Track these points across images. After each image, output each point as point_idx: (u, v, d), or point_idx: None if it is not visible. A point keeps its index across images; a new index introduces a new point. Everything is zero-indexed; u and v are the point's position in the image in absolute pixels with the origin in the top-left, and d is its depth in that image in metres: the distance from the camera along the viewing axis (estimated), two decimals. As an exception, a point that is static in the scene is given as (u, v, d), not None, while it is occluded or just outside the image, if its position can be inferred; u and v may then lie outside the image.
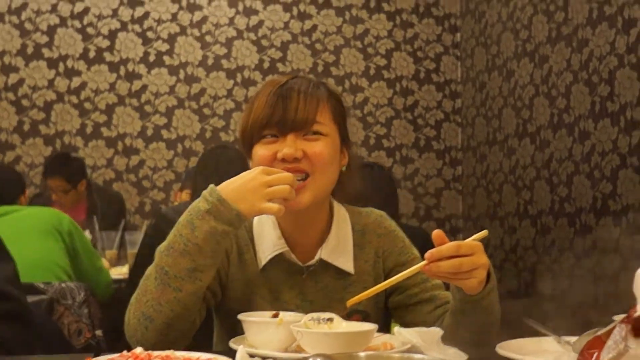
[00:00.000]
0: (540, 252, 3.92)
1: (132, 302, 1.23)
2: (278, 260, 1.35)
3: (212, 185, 1.20)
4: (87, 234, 3.61)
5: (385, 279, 1.34)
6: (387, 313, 1.44)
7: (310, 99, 1.30)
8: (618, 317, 1.21)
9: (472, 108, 4.81)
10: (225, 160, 2.62)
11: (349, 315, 1.31)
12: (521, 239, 4.12)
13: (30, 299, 1.79)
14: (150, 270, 1.22)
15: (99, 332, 2.20)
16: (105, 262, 3.28)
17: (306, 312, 1.29)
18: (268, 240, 1.36)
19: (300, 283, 1.35)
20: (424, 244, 2.94)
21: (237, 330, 1.25)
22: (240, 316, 1.16)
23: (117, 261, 3.35)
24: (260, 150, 1.29)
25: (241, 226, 1.22)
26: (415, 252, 1.42)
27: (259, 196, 1.17)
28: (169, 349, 1.06)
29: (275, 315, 1.17)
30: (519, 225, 4.14)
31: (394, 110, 4.93)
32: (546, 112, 3.87)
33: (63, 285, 2.19)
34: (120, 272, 3.13)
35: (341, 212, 1.40)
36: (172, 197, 4.47)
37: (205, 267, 1.19)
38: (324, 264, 1.36)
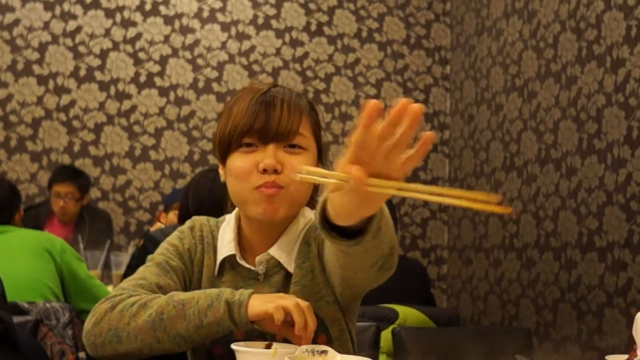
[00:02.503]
0: (524, 286, 3.93)
1: (112, 308, 1.21)
2: (234, 264, 1.33)
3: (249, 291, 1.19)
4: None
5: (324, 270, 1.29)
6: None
7: (293, 109, 1.26)
8: (611, 358, 1.22)
9: (460, 140, 4.85)
10: (220, 185, 2.62)
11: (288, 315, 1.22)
12: (506, 271, 4.13)
13: (16, 319, 1.77)
14: (159, 300, 1.20)
15: (82, 355, 2.17)
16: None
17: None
18: (225, 242, 1.34)
19: (255, 287, 1.30)
20: (422, 276, 2.93)
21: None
22: (233, 346, 1.15)
23: (102, 280, 3.31)
24: (239, 161, 1.26)
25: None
26: None
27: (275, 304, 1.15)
28: None
29: (269, 346, 1.16)
30: (504, 258, 4.16)
31: (382, 139, 4.95)
32: (534, 146, 3.91)
33: (48, 305, 2.16)
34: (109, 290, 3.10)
35: (306, 215, 1.35)
36: (156, 218, 4.45)
37: (192, 343, 1.20)
38: (277, 266, 1.32)
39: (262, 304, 1.17)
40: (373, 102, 0.83)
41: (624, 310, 3.09)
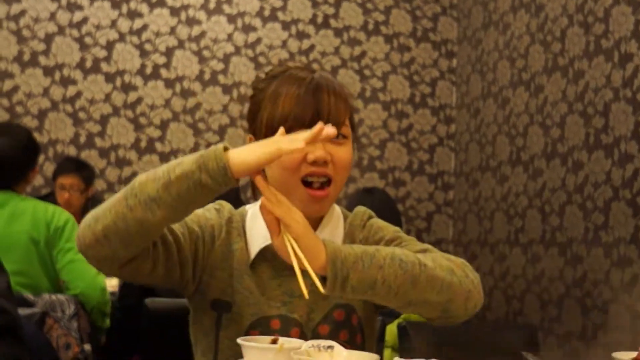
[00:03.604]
0: (530, 281, 3.93)
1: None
2: (268, 255, 1.30)
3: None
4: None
5: None
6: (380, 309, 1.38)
7: (339, 100, 1.26)
8: (618, 355, 1.22)
9: (466, 134, 4.83)
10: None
11: (331, 310, 1.29)
12: (511, 266, 4.13)
13: (22, 311, 1.77)
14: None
15: (87, 347, 2.18)
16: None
17: (291, 309, 1.29)
18: (259, 233, 1.31)
19: (289, 279, 1.29)
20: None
21: (220, 324, 1.25)
22: (239, 340, 1.15)
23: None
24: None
25: (227, 187, 1.12)
26: (393, 230, 1.35)
27: (268, 145, 1.11)
28: (104, 256, 1.13)
29: (275, 341, 1.16)
30: (510, 253, 4.15)
31: (388, 133, 4.95)
32: (540, 141, 3.90)
33: (53, 297, 2.17)
34: (109, 284, 3.10)
35: (335, 210, 1.37)
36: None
37: (164, 205, 1.11)
38: None
39: (251, 151, 1.11)
40: None
41: (630, 306, 3.09)
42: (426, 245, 1.29)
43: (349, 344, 1.27)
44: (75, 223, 2.54)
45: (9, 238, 2.43)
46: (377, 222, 1.38)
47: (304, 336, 1.29)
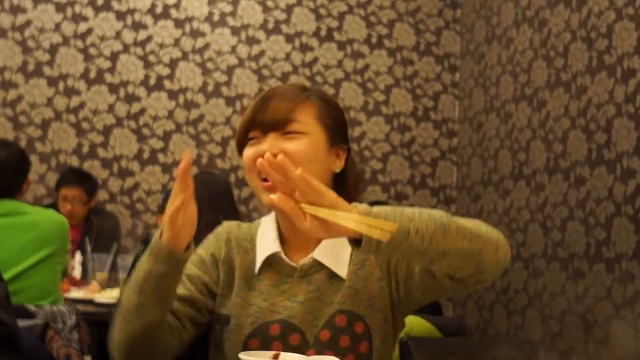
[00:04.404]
0: (531, 296, 3.92)
1: None
2: (274, 262, 1.37)
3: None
4: (78, 254, 3.60)
5: (397, 285, 1.33)
6: (395, 320, 1.38)
7: (288, 98, 1.34)
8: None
9: (468, 148, 4.84)
10: (218, 187, 2.63)
11: (333, 316, 1.31)
12: (512, 281, 4.12)
13: (24, 322, 1.77)
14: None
15: (88, 358, 2.18)
16: (95, 284, 3.26)
17: (292, 314, 1.32)
18: (266, 242, 1.39)
19: (292, 283, 1.35)
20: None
21: (222, 338, 1.32)
22: (241, 355, 1.15)
23: (108, 284, 3.32)
24: (246, 153, 1.34)
25: (183, 265, 1.23)
26: None
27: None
28: None
29: (276, 357, 1.16)
30: (511, 267, 4.14)
31: (390, 146, 4.95)
32: (542, 156, 3.90)
33: (55, 308, 2.17)
34: (110, 295, 3.11)
35: None
36: (155, 221, 4.46)
37: (151, 305, 1.23)
38: (318, 265, 1.35)
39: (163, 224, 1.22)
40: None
41: (632, 323, 3.08)
42: None
43: (351, 352, 1.30)
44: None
45: (25, 246, 2.46)
46: None
47: (305, 342, 1.30)
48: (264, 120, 1.32)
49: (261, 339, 1.31)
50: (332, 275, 1.35)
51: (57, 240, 2.51)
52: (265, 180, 1.29)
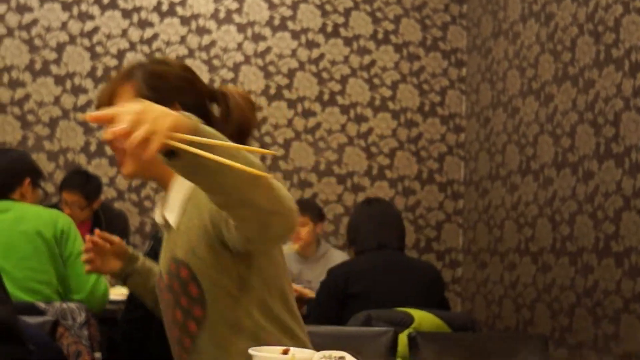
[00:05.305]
0: (540, 290, 3.91)
1: None
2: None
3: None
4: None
5: (213, 230, 1.36)
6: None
7: (110, 86, 1.48)
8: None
9: (475, 143, 4.83)
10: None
11: (169, 263, 1.43)
12: (521, 275, 4.11)
13: (34, 319, 1.78)
14: None
15: (97, 355, 2.19)
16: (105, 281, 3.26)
17: (161, 262, 1.49)
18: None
19: (166, 241, 1.49)
20: (436, 279, 2.92)
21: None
22: (251, 351, 1.16)
23: (117, 281, 3.32)
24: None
25: (138, 274, 1.65)
26: None
27: None
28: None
29: (286, 352, 1.16)
30: (520, 262, 4.14)
31: (397, 142, 4.95)
32: (550, 150, 3.89)
33: (64, 305, 2.18)
34: (119, 292, 3.11)
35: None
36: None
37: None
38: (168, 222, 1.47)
39: None
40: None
41: (641, 316, 3.07)
42: None
43: (183, 295, 1.40)
44: (72, 222, 2.60)
45: (17, 237, 2.45)
46: None
47: (162, 284, 1.47)
48: (96, 109, 1.44)
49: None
50: (169, 225, 1.47)
51: (55, 229, 2.50)
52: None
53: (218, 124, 1.46)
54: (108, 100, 1.45)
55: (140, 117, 0.95)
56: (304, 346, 1.39)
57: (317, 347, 1.32)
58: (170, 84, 1.47)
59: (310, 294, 3.33)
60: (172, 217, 1.45)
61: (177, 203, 1.45)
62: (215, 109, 1.53)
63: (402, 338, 2.19)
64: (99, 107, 1.43)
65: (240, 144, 1.34)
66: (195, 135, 1.00)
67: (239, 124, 1.50)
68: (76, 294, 2.51)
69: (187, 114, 1.05)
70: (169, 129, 0.97)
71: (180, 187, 1.45)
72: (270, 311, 1.41)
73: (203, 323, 1.39)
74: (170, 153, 1.03)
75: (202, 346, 1.40)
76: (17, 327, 1.35)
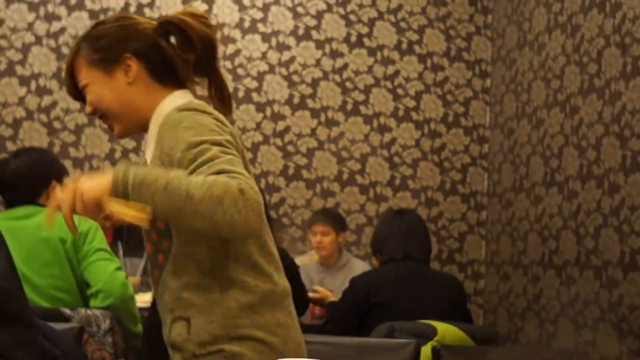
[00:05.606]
0: (564, 304, 3.87)
1: None
2: None
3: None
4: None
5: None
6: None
7: (68, 64, 1.52)
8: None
9: (499, 154, 4.80)
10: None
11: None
12: (545, 288, 4.08)
13: (60, 326, 1.80)
14: None
15: (121, 362, 2.20)
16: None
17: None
18: None
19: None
20: (458, 291, 2.91)
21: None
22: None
23: (140, 288, 3.35)
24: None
25: None
26: (184, 146, 1.36)
27: None
28: None
29: None
30: (543, 275, 4.10)
31: (421, 152, 4.94)
32: (575, 162, 3.86)
33: (89, 312, 2.20)
34: (143, 299, 3.13)
35: (165, 108, 1.47)
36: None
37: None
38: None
39: None
40: None
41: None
42: (221, 167, 1.29)
43: (153, 230, 1.46)
44: (98, 226, 2.59)
45: (40, 243, 2.47)
46: (177, 134, 1.39)
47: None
48: (67, 89, 1.56)
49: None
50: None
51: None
52: None
53: (180, 56, 1.48)
54: (70, 78, 1.52)
55: (69, 195, 1.31)
56: (270, 281, 1.41)
57: (340, 358, 1.32)
58: (112, 40, 1.48)
59: (332, 297, 3.38)
60: (149, 153, 1.49)
61: (152, 140, 1.49)
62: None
63: (425, 350, 2.18)
64: (66, 86, 1.54)
65: (209, 68, 1.49)
66: (127, 183, 1.28)
67: (203, 47, 1.46)
68: (94, 285, 2.47)
69: (122, 166, 1.30)
70: (92, 199, 1.31)
71: (154, 125, 1.48)
72: (236, 247, 1.41)
73: (168, 254, 1.44)
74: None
75: (165, 276, 1.45)
76: (31, 326, 1.37)
